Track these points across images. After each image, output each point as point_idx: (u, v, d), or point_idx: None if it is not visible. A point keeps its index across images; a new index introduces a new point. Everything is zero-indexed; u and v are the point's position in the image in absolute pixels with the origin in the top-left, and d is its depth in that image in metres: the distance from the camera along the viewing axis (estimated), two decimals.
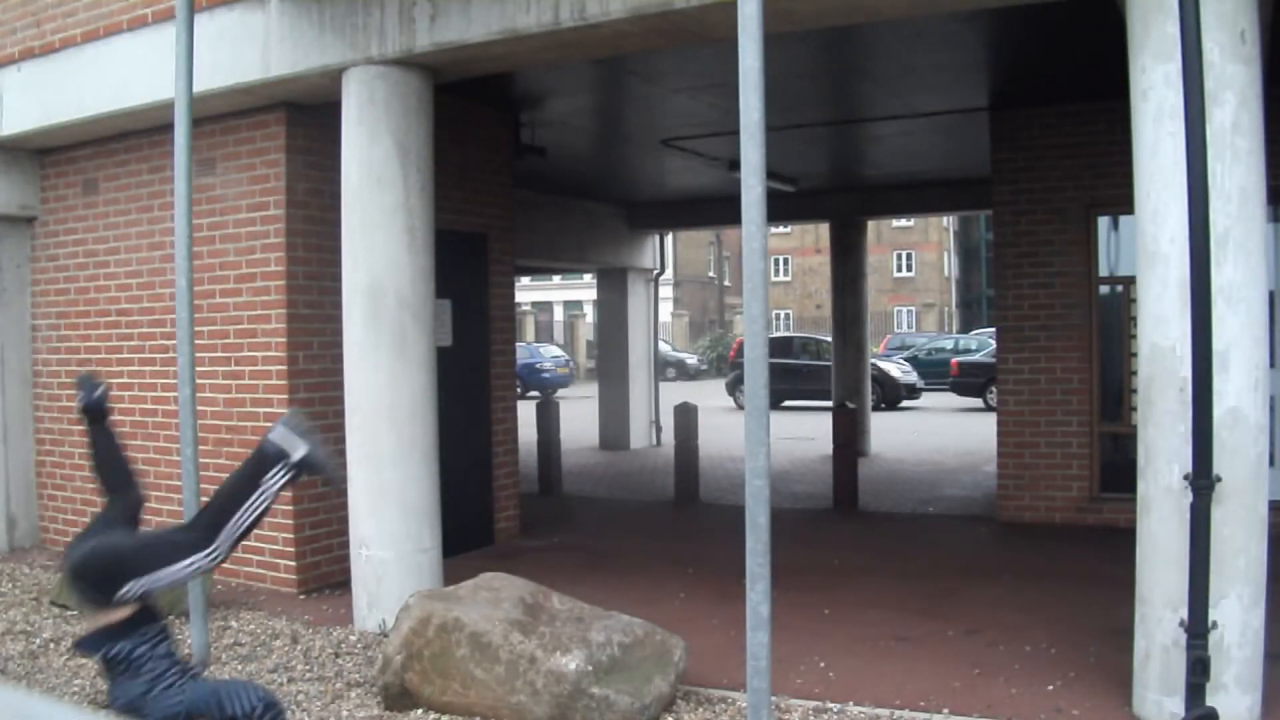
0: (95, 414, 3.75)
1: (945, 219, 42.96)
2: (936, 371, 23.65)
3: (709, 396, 20.67)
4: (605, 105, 8.74)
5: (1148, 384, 3.97)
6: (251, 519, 3.21)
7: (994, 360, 10.78)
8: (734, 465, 11.67)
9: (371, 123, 5.44)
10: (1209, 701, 3.68)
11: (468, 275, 7.45)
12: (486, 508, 7.71)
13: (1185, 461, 3.75)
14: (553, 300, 45.00)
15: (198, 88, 5.03)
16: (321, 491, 6.41)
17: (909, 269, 45.66)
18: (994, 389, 12.56)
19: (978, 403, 20.27)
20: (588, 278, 25.11)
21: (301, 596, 6.22)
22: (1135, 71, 3.97)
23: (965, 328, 40.92)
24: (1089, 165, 7.65)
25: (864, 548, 7.50)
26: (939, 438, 15.29)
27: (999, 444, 8.15)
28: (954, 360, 22.36)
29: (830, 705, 4.24)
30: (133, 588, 3.06)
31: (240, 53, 5.83)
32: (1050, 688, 4.37)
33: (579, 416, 15.76)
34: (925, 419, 18.87)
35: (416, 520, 5.50)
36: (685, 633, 4.62)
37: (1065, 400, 7.81)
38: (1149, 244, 3.94)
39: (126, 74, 6.38)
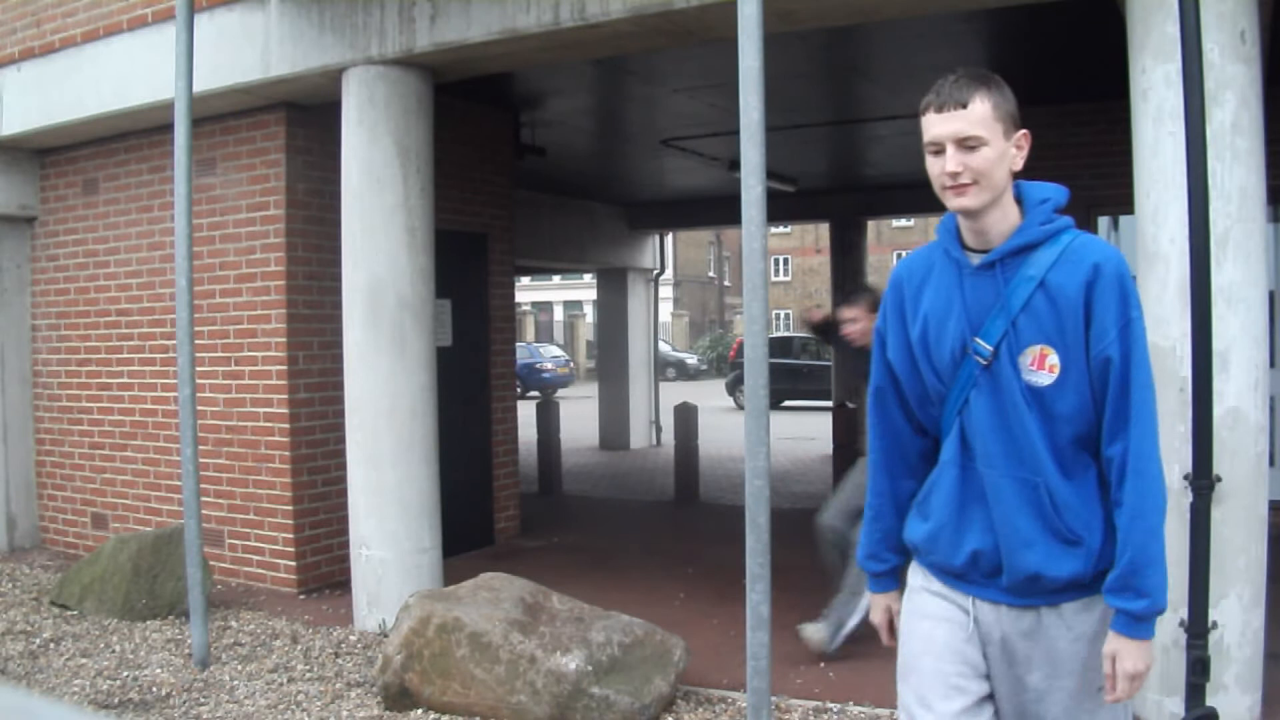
0: None
1: None
2: None
3: (709, 396, 20.67)
4: (605, 105, 8.74)
5: None
6: None
7: None
8: (734, 465, 11.67)
9: (371, 123, 5.44)
10: (1209, 701, 3.67)
11: (468, 275, 7.45)
12: (486, 508, 7.71)
13: (1185, 461, 3.75)
14: (553, 300, 45.01)
15: (198, 88, 5.03)
16: (321, 491, 6.42)
17: None
18: None
19: None
20: (588, 278, 25.12)
21: (301, 596, 6.22)
22: (1135, 71, 3.97)
23: None
24: (1089, 165, 7.65)
25: None
26: None
27: None
28: None
29: (830, 705, 4.24)
30: None
31: (240, 53, 5.83)
32: None
33: (579, 416, 15.77)
34: None
35: (416, 520, 5.50)
36: (685, 633, 4.62)
37: None
38: (1149, 244, 3.94)
39: (126, 74, 6.38)
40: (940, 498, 2.04)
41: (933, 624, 2.05)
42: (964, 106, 1.89)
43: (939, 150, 1.92)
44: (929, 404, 2.07)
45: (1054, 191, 1.99)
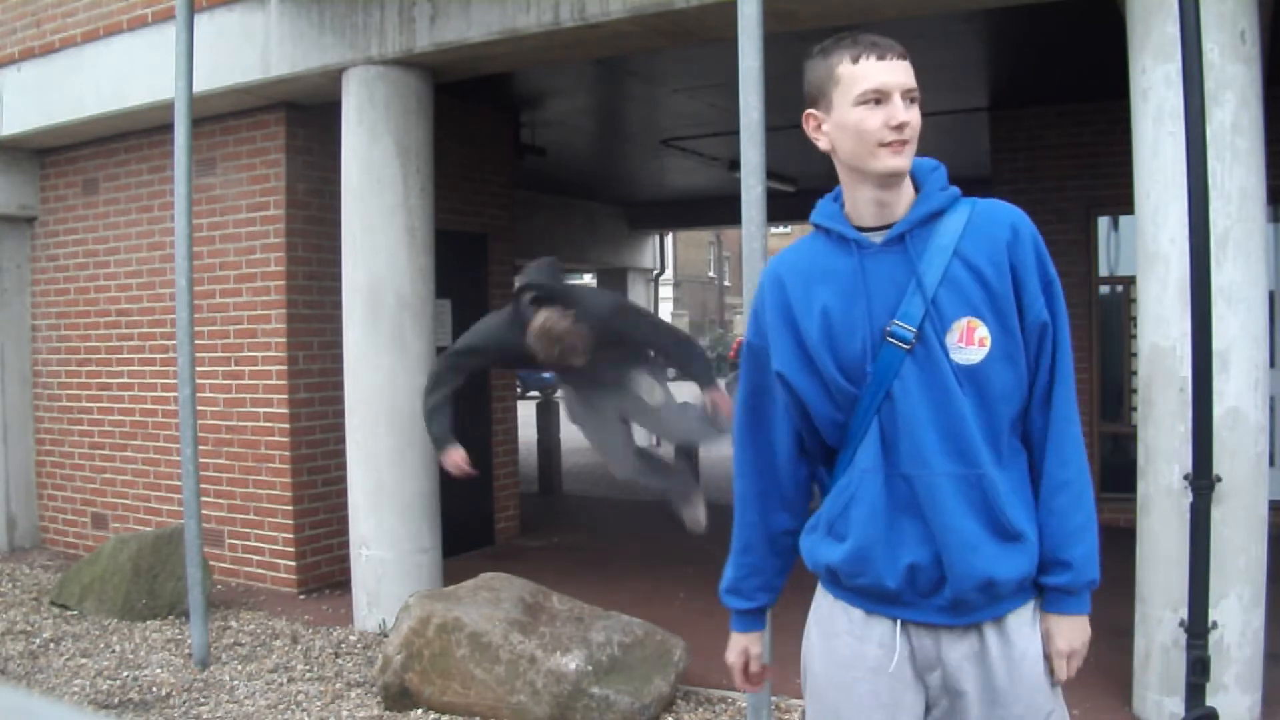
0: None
1: None
2: None
3: None
4: (605, 105, 8.74)
5: (1148, 384, 3.97)
6: None
7: None
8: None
9: (371, 123, 5.44)
10: (1209, 701, 3.68)
11: (468, 275, 7.45)
12: (486, 508, 7.71)
13: (1185, 461, 3.75)
14: None
15: (198, 88, 5.03)
16: (321, 491, 6.42)
17: None
18: None
19: None
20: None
21: (301, 596, 6.22)
22: (1135, 71, 3.97)
23: None
24: (1089, 165, 7.65)
25: None
26: None
27: None
28: None
29: None
30: None
31: (240, 53, 5.83)
32: None
33: None
34: None
35: (416, 520, 5.50)
36: (685, 633, 4.61)
37: None
38: (1149, 244, 3.94)
39: (126, 74, 6.38)
40: (863, 511, 1.78)
41: (857, 675, 1.85)
42: (904, 58, 1.76)
43: (879, 100, 1.73)
44: (836, 411, 1.81)
45: (938, 162, 1.88)
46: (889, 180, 1.77)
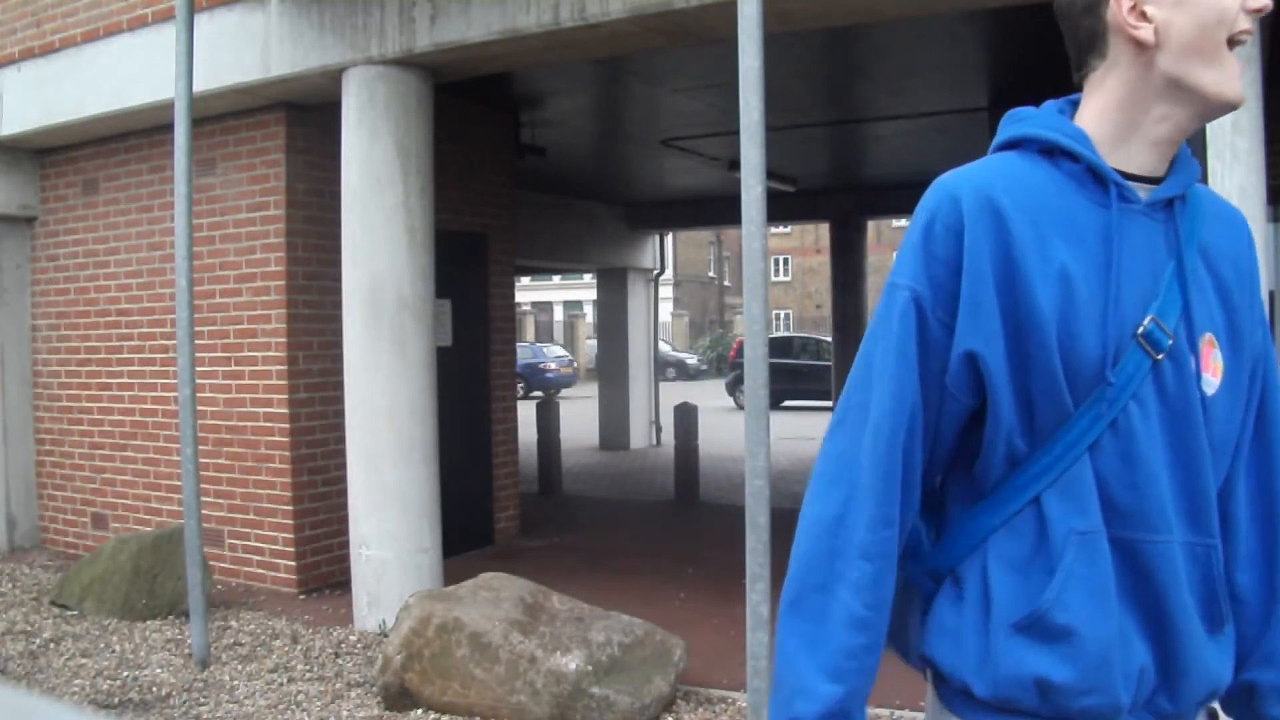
0: None
1: None
2: None
3: (709, 396, 20.68)
4: (605, 105, 8.74)
5: None
6: None
7: None
8: (734, 465, 11.67)
9: (371, 123, 5.44)
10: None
11: (468, 275, 7.45)
12: (486, 508, 7.71)
13: None
14: (553, 300, 45.01)
15: (198, 88, 5.04)
16: (321, 491, 6.42)
17: None
18: None
19: None
20: (588, 278, 25.13)
21: (301, 596, 6.22)
22: None
23: None
24: None
25: None
26: None
27: None
28: None
29: None
30: None
31: (240, 53, 5.83)
32: None
33: (579, 416, 15.77)
34: None
35: (416, 520, 5.50)
36: (685, 633, 4.62)
37: None
38: None
39: (126, 74, 6.38)
40: (1087, 592, 1.18)
41: None
42: None
43: None
44: (1025, 436, 1.21)
45: None
46: (1212, 116, 1.24)
